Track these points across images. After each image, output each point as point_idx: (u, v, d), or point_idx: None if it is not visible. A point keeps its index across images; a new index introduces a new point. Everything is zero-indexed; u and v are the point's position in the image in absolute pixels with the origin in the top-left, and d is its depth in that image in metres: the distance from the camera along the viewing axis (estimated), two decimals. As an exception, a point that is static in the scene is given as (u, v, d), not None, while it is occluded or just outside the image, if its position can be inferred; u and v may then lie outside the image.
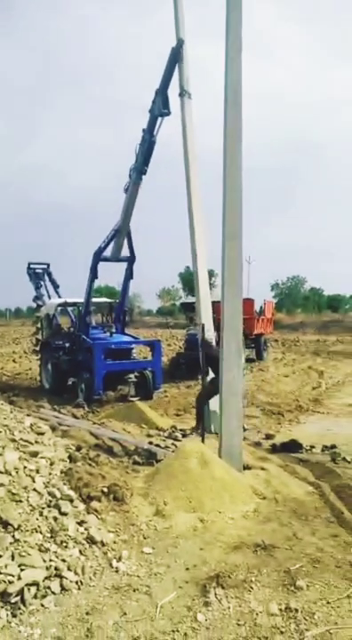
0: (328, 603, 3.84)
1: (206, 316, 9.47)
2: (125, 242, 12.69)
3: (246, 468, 6.87)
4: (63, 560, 4.17)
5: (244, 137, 6.88)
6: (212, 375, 8.72)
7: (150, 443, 8.02)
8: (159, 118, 10.97)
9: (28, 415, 7.72)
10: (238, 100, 6.88)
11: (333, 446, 8.14)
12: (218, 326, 7.49)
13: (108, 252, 12.66)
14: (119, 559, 4.43)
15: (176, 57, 10.16)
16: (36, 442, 5.87)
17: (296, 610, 3.74)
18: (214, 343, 9.18)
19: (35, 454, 5.45)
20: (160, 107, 10.73)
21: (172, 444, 8.12)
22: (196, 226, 9.61)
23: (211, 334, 9.43)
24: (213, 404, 8.67)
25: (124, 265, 13.19)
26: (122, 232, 12.36)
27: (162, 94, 10.67)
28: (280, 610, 3.76)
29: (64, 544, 4.35)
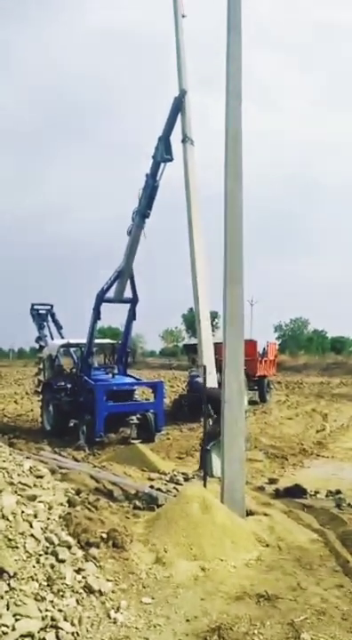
0: (334, 658, 3.70)
1: (208, 357, 9.46)
2: (128, 283, 12.82)
3: (249, 513, 6.72)
4: (59, 610, 4.04)
5: (244, 180, 7.05)
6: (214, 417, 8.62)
7: (151, 487, 7.88)
8: (162, 164, 11.29)
9: (27, 458, 7.63)
10: (238, 146, 7.07)
11: (338, 492, 7.98)
12: (220, 367, 7.47)
13: (111, 294, 12.77)
14: (117, 609, 4.29)
15: (178, 106, 10.54)
16: (35, 485, 5.77)
17: (301, 665, 3.60)
18: (217, 385, 9.12)
19: (33, 498, 5.35)
20: (163, 153, 11.07)
21: (174, 487, 7.98)
22: (197, 268, 9.73)
23: (213, 376, 9.40)
24: (215, 447, 8.58)
25: (127, 306, 13.27)
26: (125, 274, 12.50)
27: (164, 141, 11.04)
28: (284, 665, 3.61)
29: (61, 593, 4.23)
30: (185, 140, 10.32)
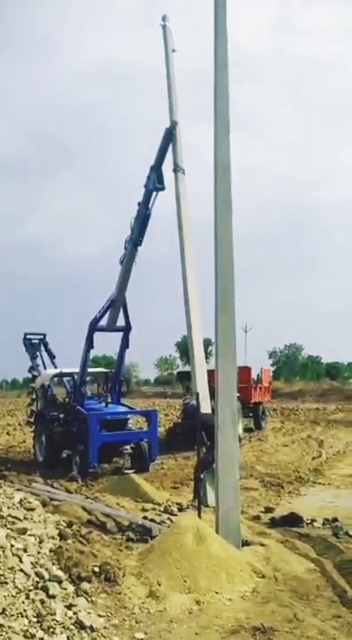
0: None
1: (202, 383, 9.47)
2: (121, 312, 12.85)
3: (244, 543, 6.61)
4: (49, 647, 3.93)
5: (235, 209, 7.15)
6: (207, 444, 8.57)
7: (145, 517, 7.75)
8: (154, 193, 11.47)
9: (18, 490, 7.53)
10: (227, 176, 7.20)
11: (335, 519, 7.88)
12: (214, 395, 7.46)
13: (103, 322, 12.79)
14: (110, 646, 4.17)
15: (170, 136, 10.78)
16: (25, 518, 5.70)
17: None
18: (210, 411, 9.09)
19: (23, 532, 5.27)
20: (154, 182, 11.27)
21: (168, 518, 7.86)
22: (190, 295, 9.81)
23: (206, 402, 9.39)
24: (209, 476, 8.52)
25: (120, 334, 13.27)
26: (117, 302, 12.55)
27: (156, 171, 11.24)
28: None
29: (51, 630, 4.12)
30: (176, 169, 10.54)
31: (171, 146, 11.02)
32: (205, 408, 9.36)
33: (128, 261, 12.11)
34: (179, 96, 11.11)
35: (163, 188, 11.38)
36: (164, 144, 11.03)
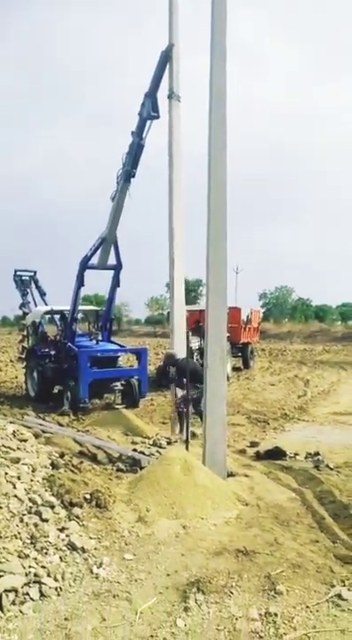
0: (307, 607, 3.86)
1: (180, 323, 9.57)
2: (112, 250, 12.68)
3: (230, 475, 6.88)
4: (43, 566, 4.14)
5: (229, 144, 6.95)
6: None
7: (134, 450, 7.99)
8: (148, 121, 10.98)
9: (11, 422, 7.68)
10: (222, 105, 6.94)
11: (317, 453, 8.17)
12: (204, 334, 7.52)
13: (94, 261, 12.64)
14: (100, 565, 4.40)
15: (166, 60, 10.12)
16: (18, 448, 5.85)
17: (275, 614, 3.75)
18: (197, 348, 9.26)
19: (16, 461, 5.42)
20: (149, 110, 10.69)
21: (157, 451, 8.10)
22: (175, 230, 9.63)
23: (182, 340, 9.55)
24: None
25: (111, 273, 13.17)
26: (108, 240, 12.34)
27: (151, 97, 10.66)
28: (260, 615, 3.76)
29: (44, 550, 4.33)
30: (171, 95, 9.99)
31: (167, 71, 10.35)
32: (181, 349, 9.52)
33: (120, 197, 11.74)
34: (180, 16, 10.28)
35: (157, 117, 10.79)
36: (159, 69, 10.35)
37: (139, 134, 11.12)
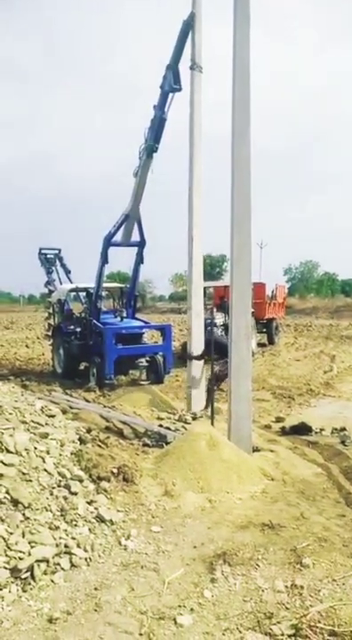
0: (334, 580, 3.88)
1: (197, 299, 9.55)
2: (136, 226, 12.64)
3: (255, 450, 6.91)
4: (73, 538, 4.25)
5: (253, 117, 6.81)
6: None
7: (160, 425, 8.08)
8: (170, 94, 10.77)
9: (39, 398, 7.82)
10: (246, 77, 6.78)
11: (343, 429, 8.14)
12: (228, 310, 7.50)
13: (118, 237, 12.63)
14: (128, 537, 4.50)
15: (187, 29, 9.81)
16: (47, 424, 5.96)
17: (302, 587, 3.78)
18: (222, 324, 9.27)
19: (45, 436, 5.53)
20: (171, 82, 10.46)
21: (182, 426, 8.17)
22: (194, 209, 9.50)
23: (201, 318, 9.56)
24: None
25: (135, 250, 13.16)
26: (132, 217, 12.29)
27: (173, 69, 10.40)
28: (286, 587, 3.80)
29: (74, 522, 4.44)
30: (193, 67, 9.73)
31: (189, 40, 10.06)
32: (199, 324, 9.55)
33: (142, 173, 11.62)
34: None
35: (179, 89, 10.54)
36: (180, 40, 10.04)
37: (161, 108, 10.91)
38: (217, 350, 8.32)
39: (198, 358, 9.46)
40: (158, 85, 10.85)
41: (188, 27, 9.81)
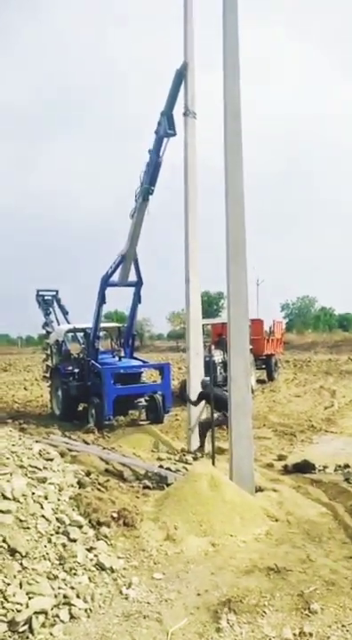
0: (343, 626, 3.75)
1: (196, 339, 9.56)
2: (132, 266, 12.73)
3: (258, 489, 6.77)
4: (72, 587, 4.11)
5: (245, 154, 6.95)
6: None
7: (161, 466, 7.93)
8: (165, 139, 10.98)
9: (37, 442, 7.70)
10: (237, 119, 6.98)
11: (347, 466, 8.01)
12: (226, 347, 7.48)
13: (115, 278, 12.71)
14: (129, 586, 4.35)
15: (180, 78, 10.14)
16: (45, 468, 5.84)
17: (310, 634, 3.65)
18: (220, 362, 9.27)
19: (43, 480, 5.42)
20: (165, 128, 10.70)
21: (183, 467, 8.02)
22: (190, 250, 9.59)
23: (200, 356, 9.57)
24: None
25: (133, 289, 13.22)
26: (128, 257, 12.38)
27: (167, 115, 10.66)
28: (294, 634, 3.66)
29: (73, 571, 4.30)
30: (186, 113, 9.97)
31: (182, 89, 10.33)
32: (199, 363, 9.56)
33: (139, 214, 11.78)
34: (196, 34, 10.13)
35: (174, 134, 10.75)
36: (174, 87, 10.37)
37: (156, 152, 11.12)
38: (217, 406, 8.30)
39: (194, 404, 9.46)
40: (153, 130, 11.11)
41: (181, 75, 10.12)
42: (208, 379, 9.13)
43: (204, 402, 9.41)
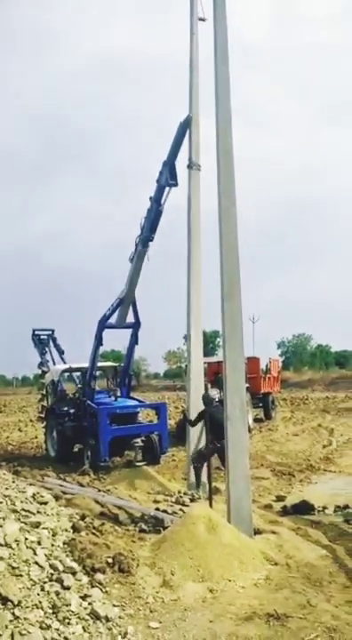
0: None
1: (197, 385, 9.53)
2: (130, 308, 12.74)
3: (257, 532, 6.63)
4: (65, 638, 3.97)
5: (239, 199, 7.11)
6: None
7: (157, 509, 7.78)
8: (166, 189, 10.97)
9: (30, 485, 7.56)
10: (230, 165, 7.18)
11: (347, 506, 7.89)
12: (222, 385, 7.46)
13: (113, 320, 12.68)
14: (125, 635, 4.20)
15: (184, 131, 10.17)
16: (39, 512, 5.72)
17: None
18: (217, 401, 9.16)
19: (36, 525, 5.30)
20: (167, 178, 10.70)
21: (180, 509, 7.87)
22: (193, 299, 9.62)
23: (215, 394, 9.43)
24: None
25: (130, 330, 13.20)
26: (127, 300, 12.35)
27: (169, 166, 10.67)
28: None
29: (66, 620, 4.16)
30: (190, 165, 10.03)
31: (187, 139, 10.22)
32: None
33: (138, 260, 11.73)
34: (201, 87, 10.04)
35: (176, 185, 10.76)
36: (177, 139, 10.35)
37: (157, 201, 11.11)
38: (214, 430, 8.18)
39: (191, 424, 9.27)
40: (155, 179, 11.10)
41: (185, 128, 10.15)
42: (208, 394, 9.02)
43: (202, 430, 9.25)
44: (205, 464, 9.09)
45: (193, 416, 9.26)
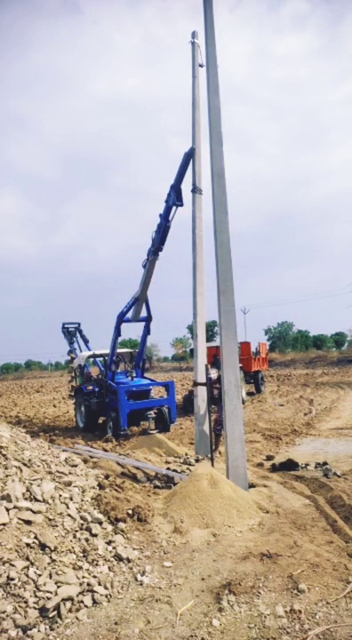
0: (328, 603, 3.59)
1: (201, 360, 9.49)
2: (144, 305, 12.69)
3: (251, 486, 6.61)
4: (94, 576, 3.97)
5: (231, 211, 7.04)
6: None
7: (168, 468, 7.77)
8: (173, 208, 10.83)
9: (63, 450, 7.57)
10: (222, 182, 7.09)
11: (325, 463, 7.82)
12: (220, 366, 7.40)
13: (129, 315, 12.67)
14: (143, 573, 4.20)
15: (188, 160, 10.03)
16: (70, 473, 5.73)
17: (299, 611, 3.49)
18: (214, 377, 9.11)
19: (68, 484, 5.31)
20: (174, 199, 10.60)
21: (187, 468, 7.87)
22: (198, 308, 9.55)
23: (202, 373, 9.40)
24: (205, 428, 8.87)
25: (143, 323, 13.18)
26: (141, 299, 12.33)
27: (175, 189, 10.56)
28: (285, 612, 3.51)
29: (95, 562, 4.16)
30: (194, 190, 9.91)
31: (190, 167, 10.10)
32: (202, 377, 9.39)
33: (150, 268, 11.71)
34: (201, 119, 9.94)
35: (181, 205, 10.61)
36: (182, 167, 10.21)
37: (165, 218, 11.02)
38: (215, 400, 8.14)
39: (203, 384, 9.14)
40: (163, 200, 10.94)
41: (189, 157, 10.01)
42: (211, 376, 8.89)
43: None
44: (208, 432, 9.06)
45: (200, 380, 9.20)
